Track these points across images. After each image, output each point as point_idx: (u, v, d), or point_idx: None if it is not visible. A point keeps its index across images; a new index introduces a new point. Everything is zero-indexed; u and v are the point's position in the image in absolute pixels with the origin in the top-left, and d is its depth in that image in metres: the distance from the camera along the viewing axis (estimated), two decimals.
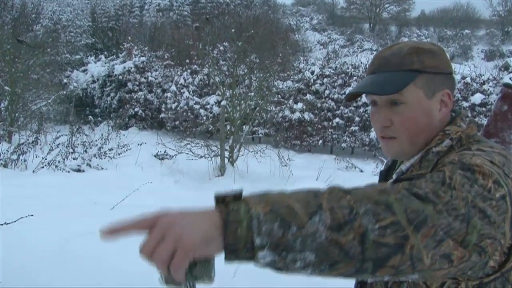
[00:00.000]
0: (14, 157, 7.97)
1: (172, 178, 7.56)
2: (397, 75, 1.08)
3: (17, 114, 12.31)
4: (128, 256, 4.02)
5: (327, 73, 14.80)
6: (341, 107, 14.14)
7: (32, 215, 3.00)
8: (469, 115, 1.13)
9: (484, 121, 7.63)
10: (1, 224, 2.61)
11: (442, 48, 1.14)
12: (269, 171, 8.78)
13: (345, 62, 16.43)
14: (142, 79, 15.42)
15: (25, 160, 7.95)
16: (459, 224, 0.79)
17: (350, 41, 45.60)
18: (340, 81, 14.56)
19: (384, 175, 1.30)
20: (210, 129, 11.17)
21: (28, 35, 17.88)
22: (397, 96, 1.07)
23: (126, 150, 8.91)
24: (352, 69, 14.97)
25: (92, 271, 3.61)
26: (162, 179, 7.22)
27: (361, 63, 15.59)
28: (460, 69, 14.09)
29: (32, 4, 20.47)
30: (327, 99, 14.31)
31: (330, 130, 14.18)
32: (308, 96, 14.13)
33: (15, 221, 2.73)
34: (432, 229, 0.75)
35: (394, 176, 1.20)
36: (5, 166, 7.63)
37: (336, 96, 14.26)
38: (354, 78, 14.41)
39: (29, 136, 9.93)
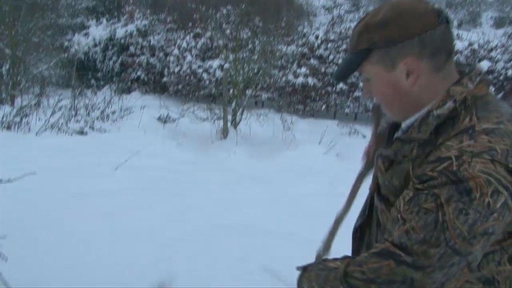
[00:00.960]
0: (17, 119, 7.98)
1: (175, 141, 7.58)
2: (352, 57, 1.13)
3: (18, 78, 12.25)
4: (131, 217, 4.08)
5: (332, 38, 14.56)
6: None
7: (34, 173, 3.01)
8: (482, 73, 1.08)
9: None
10: (6, 181, 2.62)
11: (407, 9, 1.04)
12: (271, 135, 8.78)
13: (349, 27, 16.15)
14: (145, 43, 15.23)
15: (28, 123, 7.96)
16: (456, 268, 0.91)
17: (356, 6, 44.63)
18: (344, 46, 14.31)
19: (393, 130, 1.29)
20: (213, 92, 11.10)
21: None
22: (363, 74, 1.14)
23: (129, 113, 8.90)
24: None
25: (103, 228, 3.67)
26: (165, 142, 7.24)
27: None
28: (467, 36, 13.86)
29: None
30: (331, 64, 14.13)
31: (333, 95, 14.06)
32: (312, 61, 13.95)
33: (18, 179, 2.74)
34: None
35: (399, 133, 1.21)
36: (9, 128, 7.64)
37: (340, 61, 14.05)
38: None
39: (31, 99, 9.92)
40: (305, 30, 16.66)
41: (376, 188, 1.25)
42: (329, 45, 14.30)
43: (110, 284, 3.03)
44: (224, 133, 8.28)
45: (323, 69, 13.96)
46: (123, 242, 3.55)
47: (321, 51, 14.28)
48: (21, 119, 8.02)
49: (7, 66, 12.21)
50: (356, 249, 1.43)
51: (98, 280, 3.05)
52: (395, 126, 1.28)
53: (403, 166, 1.08)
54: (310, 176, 6.22)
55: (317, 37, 14.64)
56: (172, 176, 5.30)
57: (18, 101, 10.83)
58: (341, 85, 13.85)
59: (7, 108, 8.82)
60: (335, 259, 1.15)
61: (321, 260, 1.24)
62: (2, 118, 7.79)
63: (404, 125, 1.17)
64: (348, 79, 13.86)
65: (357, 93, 13.66)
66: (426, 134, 1.03)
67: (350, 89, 13.90)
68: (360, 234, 1.40)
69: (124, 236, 3.64)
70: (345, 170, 6.36)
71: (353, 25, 15.97)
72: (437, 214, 0.88)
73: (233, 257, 3.56)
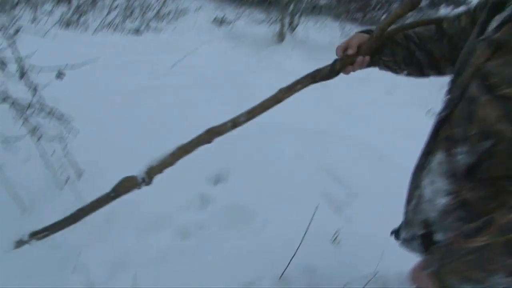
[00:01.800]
0: (74, 18, 8.07)
1: (230, 43, 7.49)
2: None
3: None
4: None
5: None
6: None
7: (96, 60, 3.07)
8: None
9: None
10: (70, 67, 2.68)
11: None
12: (328, 41, 8.50)
13: None
14: None
15: (85, 22, 8.03)
16: None
17: None
18: None
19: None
20: None
21: None
22: None
23: (184, 14, 8.78)
24: None
25: (161, 121, 3.77)
26: (220, 43, 7.17)
27: None
28: None
29: None
30: None
31: (395, 4, 13.26)
32: None
33: (81, 65, 2.80)
34: None
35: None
36: (67, 26, 7.74)
37: None
38: None
39: None
40: None
41: (472, 78, 1.12)
42: None
43: (167, 172, 3.15)
44: (281, 37, 8.07)
45: None
46: (179, 135, 3.64)
47: None
48: (78, 17, 8.09)
49: None
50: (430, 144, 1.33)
51: None
52: (494, 7, 1.16)
53: None
54: (368, 83, 6.06)
55: None
56: (229, 76, 5.30)
57: (74, 2, 10.89)
58: None
59: (64, 7, 8.90)
60: (466, 236, 1.04)
61: (456, 245, 1.07)
62: (61, 16, 7.88)
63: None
64: None
65: (423, 3, 12.82)
66: None
67: None
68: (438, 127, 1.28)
69: (180, 129, 3.72)
70: (404, 80, 6.13)
71: None
72: None
73: (290, 155, 3.61)
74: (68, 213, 2.53)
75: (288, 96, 1.87)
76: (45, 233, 2.20)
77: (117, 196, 2.10)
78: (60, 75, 2.58)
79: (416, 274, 1.22)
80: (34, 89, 2.49)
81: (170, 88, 4.51)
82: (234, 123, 1.92)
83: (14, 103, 2.36)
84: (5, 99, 2.32)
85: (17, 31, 2.48)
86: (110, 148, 3.24)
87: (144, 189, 2.92)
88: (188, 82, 4.82)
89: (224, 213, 2.91)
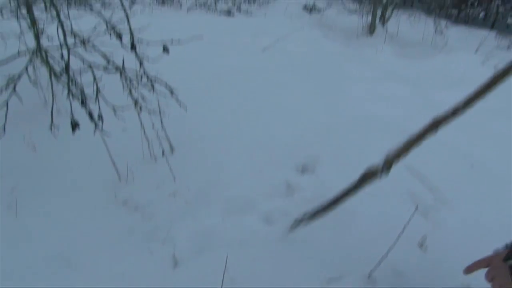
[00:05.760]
0: None
1: (320, 31, 7.38)
2: None
3: None
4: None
5: None
6: None
7: (202, 37, 3.11)
8: None
9: None
10: (176, 42, 2.73)
11: None
12: (421, 38, 8.15)
13: None
14: None
15: (179, 0, 8.26)
16: None
17: None
18: None
19: None
20: None
21: None
22: None
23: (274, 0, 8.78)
24: None
25: (252, 102, 3.79)
26: (311, 31, 7.08)
27: None
28: None
29: None
30: None
31: (497, 1, 12.45)
32: None
33: (188, 42, 2.84)
34: None
35: None
36: (163, 3, 8.00)
37: None
38: None
39: None
40: None
41: None
42: None
43: (255, 154, 3.16)
44: (372, 29, 7.84)
45: None
46: (269, 118, 3.65)
47: None
48: None
49: None
50: None
51: (242, 149, 3.19)
52: None
53: None
54: (461, 84, 5.74)
55: None
56: (319, 64, 5.22)
57: None
58: None
59: None
60: None
61: None
62: None
63: None
64: None
65: None
66: None
67: None
68: None
69: (270, 113, 3.72)
70: (502, 85, 5.75)
71: None
72: None
73: (379, 151, 3.49)
74: (160, 186, 2.60)
75: (503, 81, 1.84)
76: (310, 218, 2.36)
77: (360, 187, 2.24)
78: (165, 49, 2.64)
79: (495, 262, 1.20)
80: (141, 62, 2.56)
81: (262, 70, 4.52)
82: (455, 111, 1.93)
83: (122, 74, 2.44)
84: (117, 69, 2.40)
85: (133, 3, 2.53)
86: (201, 127, 3.29)
87: (234, 171, 2.96)
88: (279, 65, 4.81)
89: (310, 203, 2.86)
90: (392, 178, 3.30)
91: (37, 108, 3.57)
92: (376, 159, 3.40)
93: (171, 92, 2.64)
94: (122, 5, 2.39)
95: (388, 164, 2.07)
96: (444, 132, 4.38)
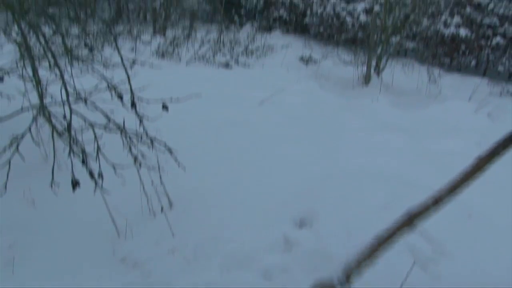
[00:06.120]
0: (170, 49, 8.56)
1: (316, 82, 7.55)
2: None
3: (171, 11, 12.98)
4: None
5: None
6: (506, 25, 12.52)
7: (200, 95, 3.20)
8: None
9: None
10: (175, 100, 2.82)
11: None
12: (415, 87, 8.33)
13: None
14: None
15: (178, 53, 8.49)
16: None
17: None
18: None
19: None
20: (359, 37, 10.74)
21: None
22: None
23: (271, 51, 9.02)
24: None
25: (248, 157, 3.84)
26: (307, 82, 7.25)
27: None
28: None
29: None
30: (490, 14, 12.74)
31: (487, 50, 12.78)
32: (468, 9, 12.69)
33: (186, 99, 2.93)
34: None
35: None
36: (162, 57, 8.22)
37: (502, 10, 12.60)
38: None
39: (182, 31, 10.50)
40: None
41: None
42: None
43: (252, 209, 3.18)
44: (367, 79, 8.02)
45: (478, 19, 12.67)
46: (266, 172, 3.69)
47: None
48: (173, 49, 8.57)
49: (162, 0, 13.00)
50: None
51: (240, 203, 3.22)
52: None
53: None
54: (456, 133, 5.83)
55: None
56: (315, 116, 5.32)
57: (168, 33, 11.53)
58: (498, 38, 12.52)
59: (160, 39, 9.48)
60: None
61: None
62: (158, 47, 8.38)
63: None
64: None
65: None
66: None
67: (508, 44, 12.50)
68: None
69: (268, 166, 3.77)
70: (496, 132, 5.82)
71: None
72: None
73: (376, 204, 3.52)
74: (159, 242, 2.61)
75: (490, 163, 1.61)
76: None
77: None
78: (165, 107, 2.71)
79: None
80: (141, 120, 2.63)
81: (259, 124, 4.60)
82: (436, 200, 1.68)
83: (123, 132, 2.50)
84: (117, 127, 2.47)
85: (134, 63, 2.63)
86: (200, 182, 3.33)
87: (232, 226, 2.97)
88: (276, 119, 4.90)
89: (309, 258, 2.87)
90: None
91: (37, 163, 3.61)
92: (373, 212, 3.43)
93: (170, 152, 2.70)
94: (124, 67, 2.49)
95: (347, 276, 1.75)
96: (441, 181, 4.40)
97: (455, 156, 5.22)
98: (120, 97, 2.44)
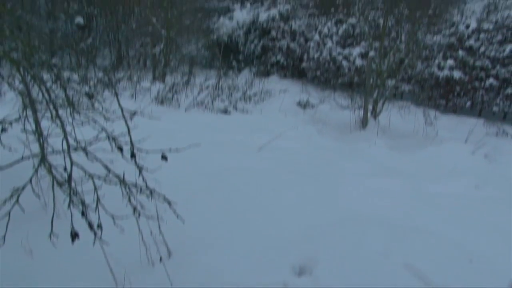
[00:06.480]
0: (169, 96, 8.70)
1: (314, 127, 7.65)
2: None
3: (170, 57, 13.28)
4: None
5: (485, 27, 13.38)
6: (498, 67, 12.79)
7: (199, 145, 3.26)
8: None
9: None
10: (174, 150, 2.86)
11: None
12: (412, 129, 8.43)
13: (508, 15, 14.69)
14: (286, 27, 15.49)
15: (178, 99, 8.62)
16: None
17: None
18: (499, 37, 13.11)
19: None
20: (355, 81, 10.95)
21: None
22: None
23: (269, 96, 9.17)
24: None
25: (247, 203, 3.85)
26: (305, 127, 7.34)
27: None
28: None
29: None
30: (482, 56, 13.04)
31: (481, 91, 12.99)
32: (460, 53, 12.99)
33: (185, 149, 2.98)
34: None
35: None
36: (162, 103, 8.34)
37: (493, 53, 12.91)
38: None
39: (181, 77, 10.69)
40: (454, 19, 15.58)
41: None
42: (481, 35, 13.20)
43: (251, 256, 3.17)
44: (364, 123, 8.13)
45: (471, 62, 12.95)
46: (265, 219, 3.69)
47: (471, 41, 13.25)
48: (173, 95, 8.71)
49: (162, 46, 13.31)
50: None
51: (239, 251, 3.21)
52: None
53: None
54: (454, 175, 5.86)
55: (467, 27, 13.59)
56: (314, 161, 5.37)
57: (167, 79, 11.74)
58: (491, 80, 12.76)
59: (159, 85, 9.65)
60: None
61: None
62: (157, 94, 8.52)
63: None
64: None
65: (509, 90, 12.48)
66: None
67: (501, 85, 12.73)
68: None
69: (267, 213, 3.78)
70: (494, 173, 5.87)
71: (511, 13, 14.47)
72: None
73: (375, 250, 3.51)
74: None
75: None
76: None
77: None
78: (164, 157, 2.75)
79: None
80: (140, 171, 2.66)
81: (257, 170, 4.64)
82: None
83: (122, 183, 2.53)
84: (117, 177, 2.50)
85: (133, 114, 2.69)
86: (199, 231, 3.33)
87: (231, 274, 2.96)
88: (275, 165, 4.94)
89: None
90: (390, 276, 3.30)
91: (36, 211, 3.61)
92: (373, 259, 3.42)
93: (169, 203, 2.72)
94: (125, 119, 2.54)
95: None
96: (441, 225, 4.40)
97: (454, 198, 5.24)
98: (120, 148, 2.48)
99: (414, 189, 4.91)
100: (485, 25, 13.52)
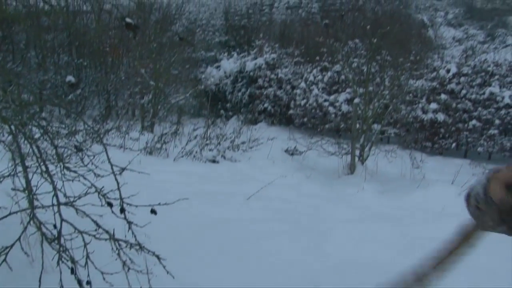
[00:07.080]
0: (158, 146, 8.75)
1: (302, 173, 7.71)
2: None
3: (159, 107, 13.44)
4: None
5: (465, 71, 13.85)
6: (479, 108, 13.15)
7: (187, 198, 3.29)
8: None
9: None
10: (163, 204, 2.90)
11: None
12: (399, 172, 8.52)
13: (485, 59, 15.24)
14: (272, 76, 15.85)
15: (166, 149, 8.67)
16: None
17: (491, 36, 41.93)
18: (479, 80, 13.57)
19: None
20: (342, 126, 11.14)
21: (168, 35, 19.28)
22: None
23: (257, 144, 9.26)
24: (494, 67, 13.85)
25: (236, 255, 3.85)
26: (293, 174, 7.39)
27: (505, 60, 14.37)
28: None
29: (176, 6, 22.17)
30: (463, 99, 13.42)
31: (465, 132, 13.28)
32: (443, 96, 13.36)
33: (173, 202, 3.01)
34: None
35: None
36: (150, 153, 8.39)
37: (474, 96, 13.31)
38: (496, 77, 13.31)
39: (170, 127, 10.79)
40: (435, 64, 16.10)
41: None
42: (462, 79, 13.64)
43: None
44: (352, 168, 8.23)
45: (454, 105, 13.30)
46: (256, 270, 3.68)
47: (452, 85, 13.67)
48: (162, 145, 8.76)
49: (150, 96, 13.50)
50: None
51: None
52: None
53: None
54: (443, 218, 5.89)
55: (448, 71, 14.06)
56: (302, 209, 5.40)
57: (156, 128, 11.83)
58: (474, 121, 13.07)
59: (148, 135, 9.72)
60: None
61: None
62: (146, 144, 8.57)
63: None
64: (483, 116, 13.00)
65: (492, 131, 12.77)
66: None
67: (484, 127, 13.03)
68: None
69: (257, 263, 3.77)
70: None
71: (489, 56, 15.11)
72: None
73: None
74: None
75: None
76: None
77: None
78: (153, 211, 2.78)
79: None
80: (129, 226, 2.68)
81: (246, 220, 4.65)
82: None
83: (112, 239, 2.54)
84: (106, 233, 2.52)
85: (122, 170, 2.73)
86: (190, 284, 3.31)
87: None
88: (264, 214, 4.96)
89: None
90: None
91: (23, 267, 3.57)
92: None
93: (158, 258, 2.73)
94: (114, 175, 2.59)
95: None
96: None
97: (442, 242, 5.25)
98: (110, 204, 2.51)
99: (403, 234, 4.93)
100: (465, 69, 13.99)
